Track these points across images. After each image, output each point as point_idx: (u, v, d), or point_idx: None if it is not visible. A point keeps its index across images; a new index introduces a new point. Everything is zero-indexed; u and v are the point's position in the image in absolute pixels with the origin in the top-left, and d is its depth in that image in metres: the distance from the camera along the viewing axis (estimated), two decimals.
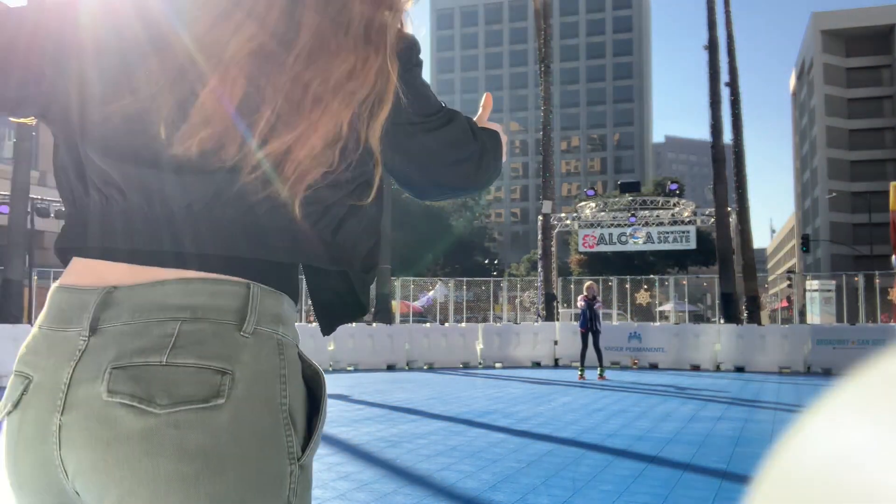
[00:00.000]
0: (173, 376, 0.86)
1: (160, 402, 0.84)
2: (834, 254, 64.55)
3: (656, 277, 24.93)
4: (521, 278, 40.95)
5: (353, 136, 0.95)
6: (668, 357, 17.61)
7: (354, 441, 6.75)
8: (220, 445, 0.85)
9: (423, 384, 13.05)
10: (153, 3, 0.95)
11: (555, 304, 21.86)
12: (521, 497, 4.69)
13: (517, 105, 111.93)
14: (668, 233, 22.59)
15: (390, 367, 16.72)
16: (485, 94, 1.32)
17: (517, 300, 34.26)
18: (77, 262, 0.99)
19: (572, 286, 26.79)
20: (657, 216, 22.76)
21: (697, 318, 38.48)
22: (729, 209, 20.91)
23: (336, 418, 8.12)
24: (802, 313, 25.22)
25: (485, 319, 28.01)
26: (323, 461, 5.66)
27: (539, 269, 22.67)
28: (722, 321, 19.85)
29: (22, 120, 1.04)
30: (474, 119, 1.24)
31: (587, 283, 14.65)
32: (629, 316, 29.13)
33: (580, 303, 14.26)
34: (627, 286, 22.91)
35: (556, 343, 18.34)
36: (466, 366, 17.70)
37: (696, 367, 17.20)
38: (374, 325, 17.88)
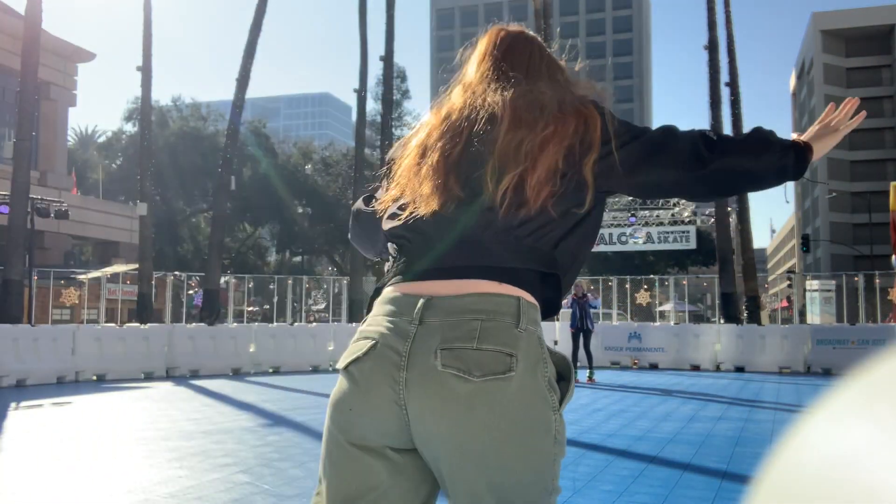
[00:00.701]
0: (481, 357, 1.32)
1: (475, 374, 1.31)
2: (834, 254, 64.50)
3: (656, 277, 24.84)
4: None
5: (570, 168, 1.42)
6: (668, 357, 17.60)
7: None
8: (513, 401, 1.32)
9: None
10: None
11: None
12: None
13: None
14: (668, 233, 22.57)
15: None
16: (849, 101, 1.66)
17: None
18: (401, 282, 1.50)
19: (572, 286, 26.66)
20: (657, 216, 22.73)
21: (697, 318, 38.40)
22: (729, 209, 20.90)
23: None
24: (802, 313, 25.15)
25: None
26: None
27: None
28: (722, 321, 19.82)
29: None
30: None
31: (575, 282, 14.58)
32: (629, 316, 29.14)
33: (566, 301, 14.23)
34: (627, 286, 22.84)
35: (556, 343, 18.33)
36: None
37: (696, 367, 17.19)
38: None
